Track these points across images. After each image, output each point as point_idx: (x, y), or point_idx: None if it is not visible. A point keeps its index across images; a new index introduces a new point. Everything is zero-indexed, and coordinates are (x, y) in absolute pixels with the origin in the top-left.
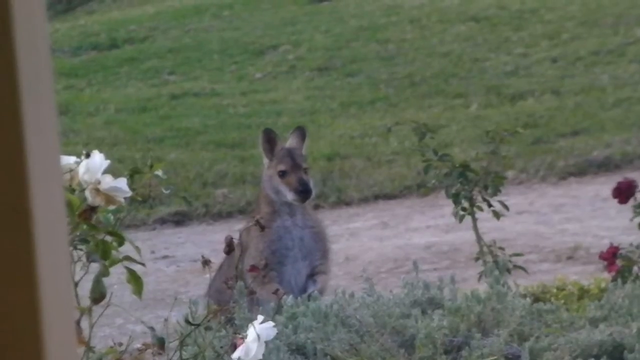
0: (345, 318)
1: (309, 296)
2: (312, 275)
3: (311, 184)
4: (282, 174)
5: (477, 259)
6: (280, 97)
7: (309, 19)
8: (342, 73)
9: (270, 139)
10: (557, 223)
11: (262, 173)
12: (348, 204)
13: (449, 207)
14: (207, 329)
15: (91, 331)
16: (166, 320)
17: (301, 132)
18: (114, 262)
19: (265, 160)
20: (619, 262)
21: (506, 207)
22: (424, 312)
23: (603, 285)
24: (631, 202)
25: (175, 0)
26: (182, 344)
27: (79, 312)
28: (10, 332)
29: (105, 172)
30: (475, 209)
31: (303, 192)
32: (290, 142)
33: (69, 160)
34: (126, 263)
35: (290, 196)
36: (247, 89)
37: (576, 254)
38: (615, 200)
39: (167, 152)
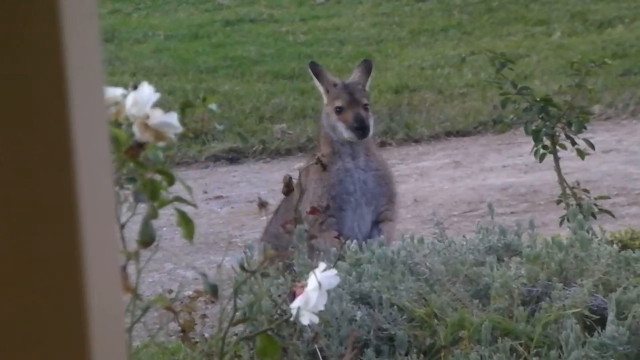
0: (413, 265)
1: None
2: (377, 223)
3: (370, 121)
4: (339, 111)
5: (558, 202)
6: (344, 23)
7: None
8: None
9: (317, 73)
10: None
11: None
12: (417, 141)
13: (527, 145)
14: (264, 275)
15: (139, 277)
16: (219, 265)
17: (367, 65)
18: (164, 203)
19: (325, 96)
20: None
21: (592, 146)
22: (499, 260)
23: None
24: None
25: None
26: (236, 292)
27: (125, 257)
28: (50, 277)
29: (155, 105)
30: (557, 147)
31: (359, 129)
32: (355, 75)
33: (114, 92)
34: (176, 204)
35: (346, 134)
36: (308, 15)
37: None
38: None
39: (220, 83)
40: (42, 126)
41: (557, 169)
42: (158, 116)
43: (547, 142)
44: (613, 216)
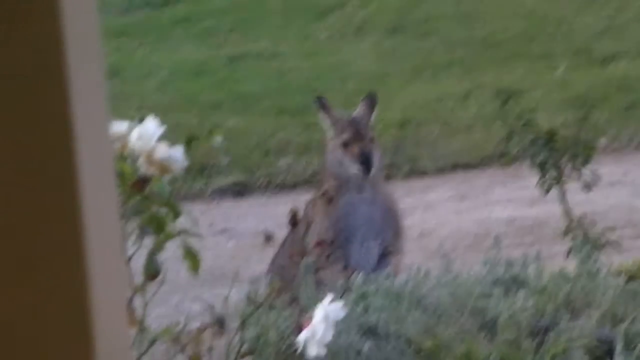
0: (420, 298)
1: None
2: (383, 255)
3: (375, 156)
4: (345, 145)
5: (565, 234)
6: (348, 60)
7: None
8: (414, 34)
9: (322, 107)
10: None
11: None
12: (422, 174)
13: (533, 178)
14: (271, 308)
15: (145, 310)
16: (226, 298)
17: (371, 99)
18: (169, 237)
19: (330, 130)
20: None
21: (597, 178)
22: (506, 292)
23: None
24: None
25: None
26: (243, 324)
27: (131, 290)
28: (56, 312)
29: (160, 139)
30: (563, 179)
31: (364, 163)
32: (360, 109)
33: (120, 126)
34: (182, 237)
35: (352, 168)
36: (311, 51)
37: None
38: None
39: (225, 119)
40: (47, 161)
41: (563, 201)
42: (163, 150)
43: (553, 175)
44: (619, 248)
